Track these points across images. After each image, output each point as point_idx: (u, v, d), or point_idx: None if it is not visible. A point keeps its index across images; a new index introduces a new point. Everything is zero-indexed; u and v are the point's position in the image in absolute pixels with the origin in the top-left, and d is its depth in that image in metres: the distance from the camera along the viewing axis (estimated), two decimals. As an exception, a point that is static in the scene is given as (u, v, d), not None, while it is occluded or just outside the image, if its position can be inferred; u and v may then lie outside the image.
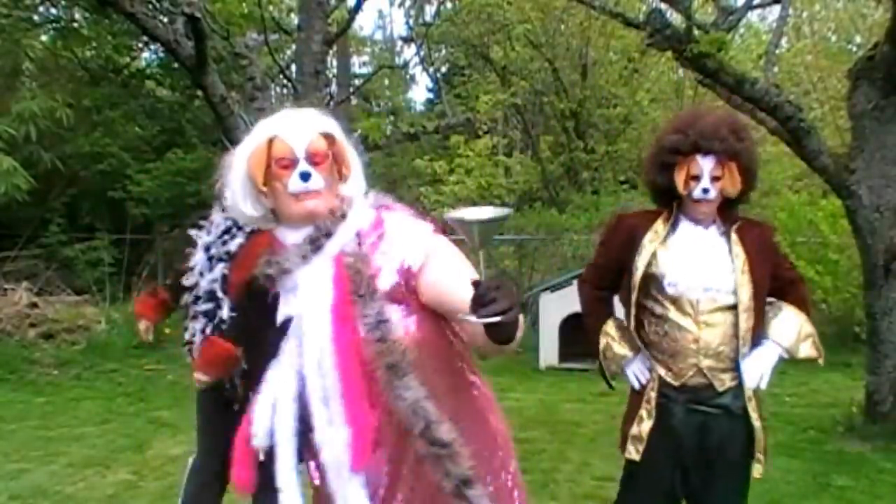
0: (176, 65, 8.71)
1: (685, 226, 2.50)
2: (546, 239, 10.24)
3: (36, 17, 10.53)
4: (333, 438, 1.54)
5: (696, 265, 2.44)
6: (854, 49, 13.07)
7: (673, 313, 2.45)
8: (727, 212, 2.51)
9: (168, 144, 10.71)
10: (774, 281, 2.54)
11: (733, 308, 2.42)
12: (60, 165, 9.33)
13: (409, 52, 19.77)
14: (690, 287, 2.42)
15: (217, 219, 3.15)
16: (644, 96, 13.57)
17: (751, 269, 2.43)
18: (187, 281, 3.10)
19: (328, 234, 1.58)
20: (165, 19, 6.97)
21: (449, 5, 13.90)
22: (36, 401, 6.65)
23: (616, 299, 2.68)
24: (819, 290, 8.19)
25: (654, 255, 2.47)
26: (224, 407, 3.12)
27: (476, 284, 1.36)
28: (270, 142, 1.58)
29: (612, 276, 2.61)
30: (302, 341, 1.57)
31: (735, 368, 2.43)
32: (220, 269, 3.09)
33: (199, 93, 8.56)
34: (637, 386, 2.54)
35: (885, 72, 5.19)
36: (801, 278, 2.68)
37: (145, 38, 9.93)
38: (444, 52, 16.40)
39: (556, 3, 12.49)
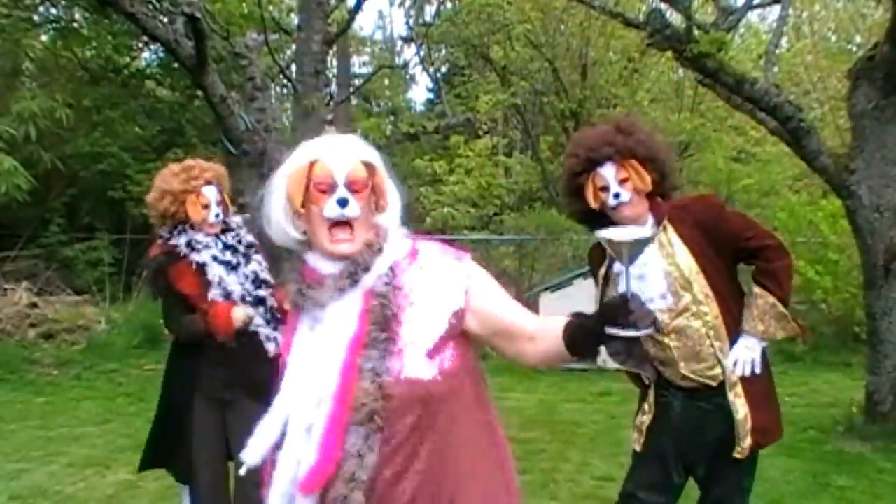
0: (176, 65, 8.71)
1: None
2: (546, 239, 10.24)
3: (36, 17, 10.52)
4: (298, 459, 1.50)
5: (641, 281, 2.41)
6: (854, 49, 13.06)
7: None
8: (653, 205, 2.49)
9: (168, 144, 10.71)
10: (738, 252, 2.49)
11: (692, 306, 2.42)
12: (60, 165, 9.33)
13: (409, 52, 19.81)
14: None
15: (199, 237, 3.19)
16: (644, 96, 13.56)
17: (695, 255, 2.41)
18: (212, 294, 3.12)
19: (366, 269, 1.55)
20: (165, 19, 6.97)
21: (449, 5, 13.92)
22: (36, 401, 6.65)
23: None
24: (819, 290, 8.19)
25: (606, 283, 2.55)
26: (220, 429, 3.17)
27: (625, 300, 1.45)
28: (312, 164, 1.56)
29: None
30: (311, 367, 1.56)
31: (720, 363, 2.46)
32: (257, 257, 3.22)
33: (199, 93, 8.56)
34: (646, 381, 2.60)
35: (885, 72, 5.19)
36: (771, 242, 2.53)
37: (145, 38, 9.93)
38: (444, 52, 16.41)
39: (556, 3, 12.48)
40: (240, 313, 3.09)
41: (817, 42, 13.72)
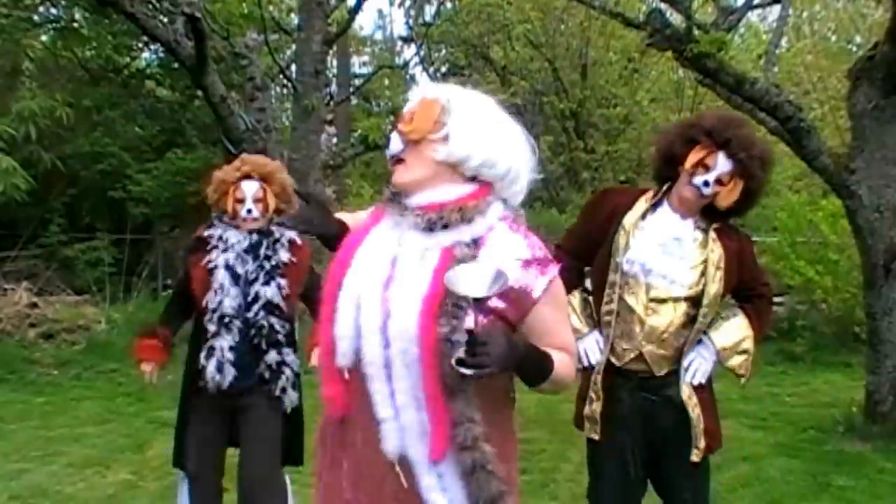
0: (176, 65, 8.71)
1: (664, 211, 2.51)
2: (546, 239, 10.23)
3: (36, 17, 10.52)
4: (410, 425, 1.51)
5: (661, 252, 2.44)
6: (854, 49, 13.07)
7: (626, 294, 2.46)
8: (709, 214, 2.51)
9: (168, 144, 10.69)
10: (745, 289, 2.58)
11: (686, 300, 2.43)
12: (60, 165, 9.32)
13: (409, 52, 19.76)
14: (646, 270, 2.44)
15: (231, 235, 3.11)
16: (644, 96, 13.56)
17: (725, 269, 2.45)
18: (211, 301, 3.03)
19: (445, 226, 1.55)
20: (165, 19, 6.99)
21: (449, 5, 13.93)
22: (36, 401, 6.64)
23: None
24: (819, 290, 8.19)
25: (633, 231, 2.48)
26: (219, 420, 3.14)
27: (469, 333, 1.41)
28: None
29: (587, 248, 2.60)
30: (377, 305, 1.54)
31: (677, 359, 2.46)
32: (278, 281, 3.08)
33: (199, 93, 8.56)
34: (585, 363, 2.53)
35: (885, 72, 5.19)
36: (771, 299, 2.71)
37: (145, 38, 9.93)
38: (444, 52, 16.40)
39: (556, 3, 12.50)
40: (147, 368, 3.17)
41: (817, 42, 13.73)
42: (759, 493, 4.40)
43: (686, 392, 2.47)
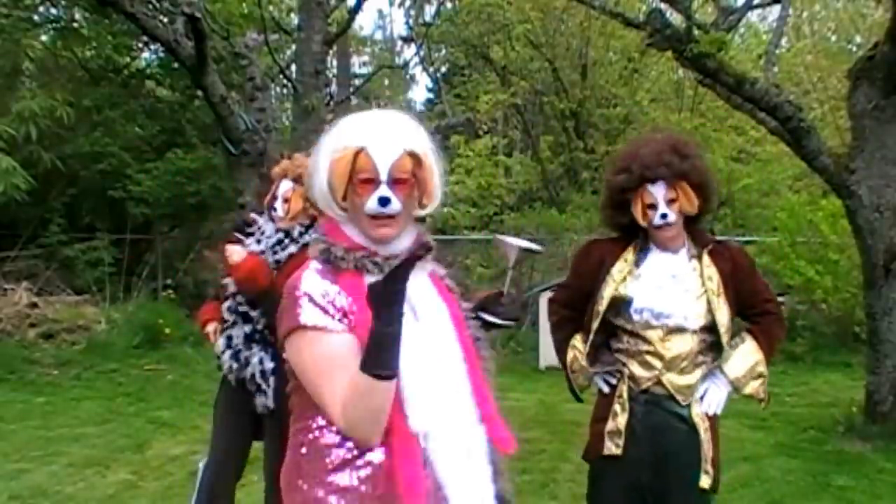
0: (176, 65, 8.71)
1: (655, 254, 2.52)
2: (546, 239, 10.24)
3: (36, 17, 10.52)
4: (471, 428, 1.60)
5: (664, 294, 2.45)
6: (854, 49, 13.08)
7: (641, 332, 2.48)
8: (696, 232, 2.53)
9: (168, 144, 10.68)
10: (749, 307, 2.57)
11: (701, 330, 2.44)
12: (60, 165, 9.32)
13: (409, 52, 19.79)
14: (656, 314, 2.45)
15: (268, 229, 3.15)
16: (644, 96, 13.56)
17: (726, 290, 2.46)
18: (230, 287, 3.09)
19: (429, 250, 1.62)
20: (165, 19, 6.99)
21: (449, 5, 13.93)
22: (36, 401, 6.64)
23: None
24: (819, 290, 8.20)
25: (623, 282, 2.49)
26: (246, 406, 3.13)
27: (500, 293, 1.75)
28: (357, 154, 1.54)
29: (580, 299, 2.62)
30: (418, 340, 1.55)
31: (694, 385, 2.46)
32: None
33: (199, 93, 8.56)
34: (607, 390, 2.54)
35: (885, 72, 5.19)
36: (779, 313, 2.66)
37: (145, 38, 9.93)
38: (444, 52, 16.40)
39: (556, 3, 12.48)
40: (232, 249, 3.08)
41: (817, 42, 13.74)
42: (759, 493, 4.40)
43: (697, 411, 2.45)
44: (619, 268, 2.52)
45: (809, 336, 8.39)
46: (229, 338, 3.10)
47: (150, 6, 7.15)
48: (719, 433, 2.54)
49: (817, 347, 8.37)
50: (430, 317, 1.59)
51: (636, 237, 2.56)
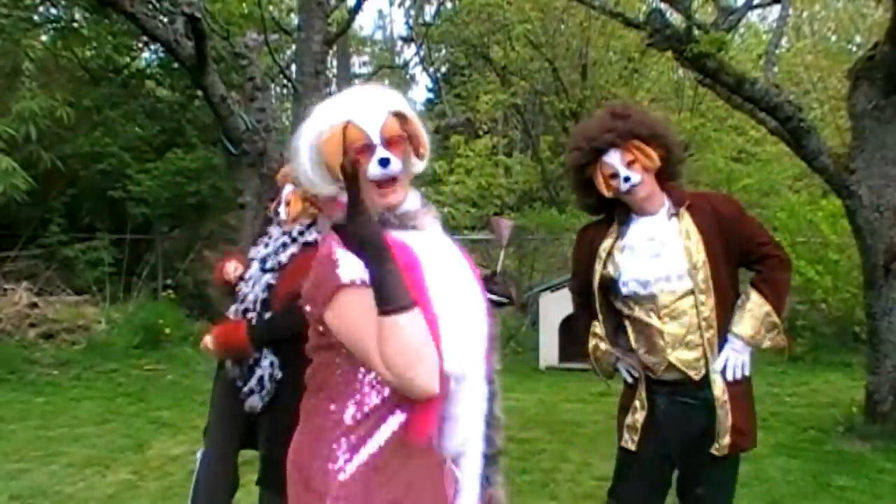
0: (176, 65, 8.70)
1: (636, 222, 2.52)
2: (546, 239, 10.25)
3: (36, 17, 10.52)
4: (476, 393, 1.62)
5: (645, 260, 2.46)
6: (854, 49, 13.07)
7: (637, 311, 2.48)
8: (672, 190, 2.52)
9: (168, 144, 10.68)
10: (745, 254, 2.52)
11: (692, 294, 2.42)
12: (60, 165, 9.32)
13: (409, 52, 19.80)
14: (643, 283, 2.45)
15: (275, 232, 3.16)
16: (644, 96, 13.56)
17: (707, 245, 2.42)
18: (240, 294, 3.10)
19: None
20: (165, 19, 6.97)
21: (449, 5, 13.92)
22: (36, 401, 6.65)
23: None
24: (819, 290, 8.19)
25: (608, 259, 2.51)
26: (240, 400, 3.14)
27: (493, 273, 1.80)
28: (344, 128, 1.56)
29: (586, 286, 2.64)
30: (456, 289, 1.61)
31: (706, 356, 2.45)
32: (267, 278, 3.09)
33: (199, 93, 8.56)
34: (630, 380, 2.58)
35: (885, 72, 5.19)
36: (780, 255, 2.58)
37: (145, 38, 9.92)
38: (444, 52, 16.41)
39: (556, 3, 12.49)
40: (231, 267, 3.09)
41: (817, 42, 13.74)
42: (759, 493, 4.40)
43: (719, 389, 2.44)
44: (605, 245, 2.54)
45: (809, 336, 8.39)
46: None
47: (150, 6, 7.14)
48: (751, 396, 2.54)
49: (817, 347, 8.37)
50: (458, 269, 1.65)
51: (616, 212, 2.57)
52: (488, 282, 1.78)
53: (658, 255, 2.44)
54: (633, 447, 2.51)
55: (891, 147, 5.28)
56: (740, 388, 2.47)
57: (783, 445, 5.33)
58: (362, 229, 1.41)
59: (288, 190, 3.14)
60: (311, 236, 3.11)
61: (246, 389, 3.07)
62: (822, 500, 4.33)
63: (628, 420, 2.54)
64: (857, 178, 5.27)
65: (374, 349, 1.45)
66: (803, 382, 7.40)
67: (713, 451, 2.45)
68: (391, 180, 1.57)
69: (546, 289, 8.31)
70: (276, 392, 3.05)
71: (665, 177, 2.52)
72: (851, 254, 7.18)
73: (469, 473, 1.63)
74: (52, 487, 4.45)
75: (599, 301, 2.55)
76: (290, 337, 2.83)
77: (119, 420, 6.06)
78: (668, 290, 2.43)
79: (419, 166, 1.68)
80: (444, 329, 1.51)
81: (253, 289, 3.08)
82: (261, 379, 3.06)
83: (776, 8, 7.21)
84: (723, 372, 2.45)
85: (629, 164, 2.43)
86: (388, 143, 1.57)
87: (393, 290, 1.42)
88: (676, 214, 2.48)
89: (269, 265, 3.09)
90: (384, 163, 1.55)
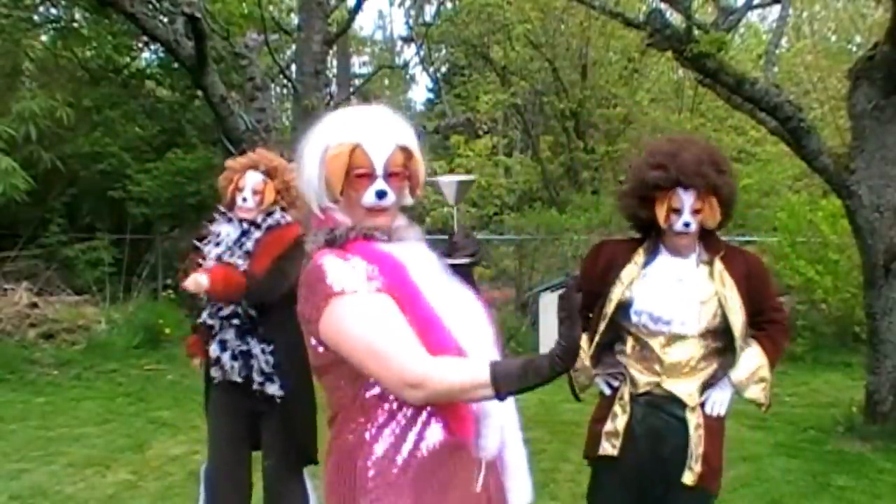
0: (176, 65, 8.70)
1: (664, 257, 2.53)
2: (546, 239, 10.24)
3: (36, 17, 10.52)
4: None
5: (665, 299, 2.46)
6: (854, 49, 13.07)
7: (643, 337, 2.49)
8: (709, 239, 2.53)
9: (168, 144, 10.68)
10: (758, 314, 2.56)
11: (706, 335, 2.45)
12: (60, 165, 9.32)
13: (409, 52, 19.78)
14: (655, 318, 2.46)
15: (223, 229, 3.14)
16: (644, 96, 13.56)
17: (740, 295, 2.46)
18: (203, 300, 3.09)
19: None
20: (165, 19, 6.98)
21: (449, 5, 13.92)
22: (36, 401, 6.64)
23: None
24: (819, 290, 8.19)
25: (630, 285, 2.50)
26: (241, 409, 3.13)
27: (451, 235, 1.73)
28: (352, 150, 1.58)
29: (590, 299, 2.59)
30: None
31: (697, 390, 2.46)
32: (239, 265, 3.08)
33: (199, 93, 8.56)
34: (608, 391, 2.56)
35: (885, 72, 5.19)
36: (785, 324, 2.68)
37: (145, 38, 9.92)
38: (444, 52, 16.40)
39: (556, 3, 12.48)
40: (191, 280, 3.02)
41: (817, 42, 13.74)
42: (759, 493, 4.40)
43: (697, 414, 2.46)
44: (629, 271, 2.53)
45: (809, 336, 8.38)
46: (222, 342, 3.08)
47: (150, 6, 7.15)
48: (723, 434, 2.53)
49: (817, 347, 8.36)
50: (445, 277, 1.66)
51: (646, 236, 2.56)
52: (449, 247, 1.73)
53: (683, 298, 2.46)
54: (614, 452, 2.48)
55: (891, 147, 5.28)
56: (715, 424, 2.49)
57: (783, 445, 5.33)
58: (553, 377, 1.44)
59: (257, 179, 3.12)
60: (272, 220, 3.14)
61: (256, 385, 3.06)
62: (822, 500, 4.33)
63: (608, 427, 2.51)
64: (857, 178, 5.27)
65: (386, 352, 1.46)
66: (803, 382, 7.40)
67: (685, 478, 2.42)
68: (382, 209, 1.61)
69: (546, 289, 8.30)
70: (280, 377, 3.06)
71: (708, 228, 2.53)
72: (851, 254, 7.18)
73: (516, 465, 1.72)
74: (52, 487, 4.45)
75: (608, 321, 2.52)
76: (279, 301, 2.88)
77: (119, 420, 6.05)
78: (680, 330, 2.44)
79: (409, 200, 1.71)
80: (452, 325, 1.54)
81: None
82: (262, 369, 3.07)
83: (776, 8, 7.21)
84: (702, 404, 2.47)
85: (695, 212, 2.43)
86: (389, 175, 1.60)
87: (515, 382, 1.44)
88: (708, 262, 2.50)
89: (233, 259, 3.07)
90: (381, 195, 1.59)
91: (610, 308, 2.50)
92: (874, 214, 5.26)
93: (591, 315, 2.62)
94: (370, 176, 1.59)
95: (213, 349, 3.10)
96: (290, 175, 3.19)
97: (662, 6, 6.10)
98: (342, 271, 1.51)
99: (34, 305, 8.69)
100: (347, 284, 1.50)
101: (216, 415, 3.22)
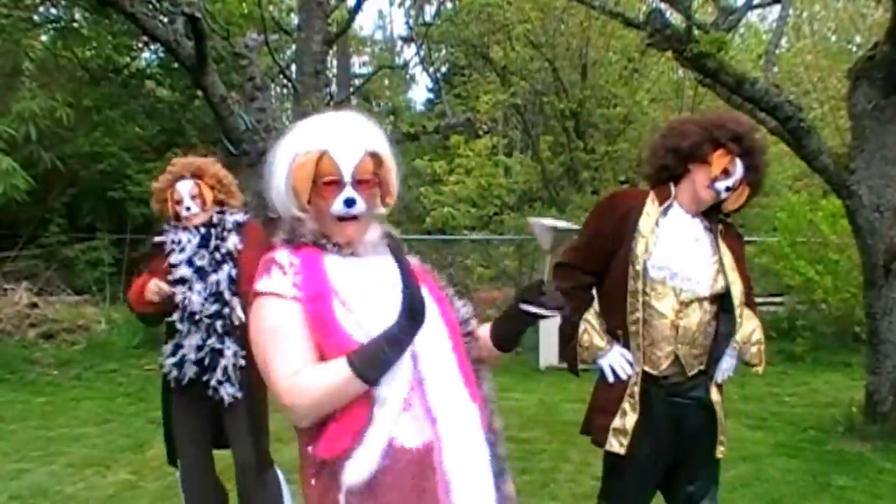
0: (176, 65, 8.70)
1: (676, 212, 2.52)
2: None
3: (36, 17, 10.53)
4: (462, 414, 1.53)
5: (683, 254, 2.47)
6: (854, 49, 13.07)
7: (653, 300, 2.45)
8: (711, 212, 2.55)
9: (168, 144, 10.68)
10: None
11: (709, 299, 2.47)
12: (60, 165, 9.32)
13: (409, 52, 19.80)
14: (672, 274, 2.45)
15: (182, 236, 3.14)
16: (644, 96, 13.55)
17: (738, 269, 2.51)
18: (177, 298, 3.07)
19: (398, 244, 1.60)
20: (165, 19, 6.98)
21: (449, 5, 13.93)
22: (36, 401, 6.64)
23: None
24: (819, 290, 8.19)
25: (651, 236, 2.47)
26: (203, 409, 3.14)
27: (540, 283, 1.60)
28: (319, 158, 1.56)
29: (599, 258, 2.54)
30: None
31: (704, 355, 2.48)
32: (226, 269, 3.08)
33: (199, 93, 8.56)
34: (612, 379, 2.51)
35: (885, 72, 5.19)
36: (755, 310, 2.72)
37: (145, 38, 9.93)
38: (444, 52, 16.41)
39: (556, 3, 12.48)
40: (153, 287, 3.04)
41: (817, 42, 13.73)
42: (759, 493, 4.40)
43: (714, 392, 2.52)
44: (645, 221, 2.49)
45: (809, 336, 8.38)
46: (178, 346, 3.11)
47: (150, 6, 7.14)
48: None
49: (817, 347, 8.36)
50: (390, 293, 1.57)
51: (660, 187, 2.56)
52: (534, 293, 1.60)
53: (696, 257, 2.48)
54: (621, 451, 2.47)
55: (891, 147, 5.28)
56: (721, 394, 2.56)
57: (783, 445, 5.33)
58: (408, 339, 1.43)
59: (189, 185, 3.15)
60: (232, 219, 3.20)
61: (214, 382, 3.06)
62: (822, 500, 4.33)
63: (616, 423, 2.48)
64: (857, 178, 5.27)
65: (274, 363, 1.46)
66: (803, 382, 7.40)
67: (718, 453, 2.52)
68: (353, 217, 1.58)
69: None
70: (243, 379, 3.06)
71: (725, 211, 2.58)
72: (851, 254, 7.18)
73: (467, 476, 1.55)
74: (52, 487, 4.46)
75: (630, 287, 2.45)
76: None
77: (119, 420, 6.06)
78: (690, 288, 2.45)
79: (382, 209, 1.67)
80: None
81: (205, 283, 3.06)
82: (225, 369, 3.07)
83: (776, 8, 7.21)
84: (713, 374, 2.51)
85: (733, 187, 2.47)
86: (358, 182, 1.57)
87: (385, 365, 1.42)
88: (711, 230, 2.52)
89: (201, 263, 3.08)
90: (349, 203, 1.56)
91: (639, 265, 2.44)
92: (874, 214, 5.26)
93: (593, 285, 2.59)
94: (338, 184, 1.56)
95: (166, 353, 3.13)
96: (215, 167, 3.26)
97: (662, 6, 6.10)
98: (275, 272, 1.52)
99: (34, 305, 8.69)
100: (272, 286, 1.51)
101: (178, 417, 3.23)
